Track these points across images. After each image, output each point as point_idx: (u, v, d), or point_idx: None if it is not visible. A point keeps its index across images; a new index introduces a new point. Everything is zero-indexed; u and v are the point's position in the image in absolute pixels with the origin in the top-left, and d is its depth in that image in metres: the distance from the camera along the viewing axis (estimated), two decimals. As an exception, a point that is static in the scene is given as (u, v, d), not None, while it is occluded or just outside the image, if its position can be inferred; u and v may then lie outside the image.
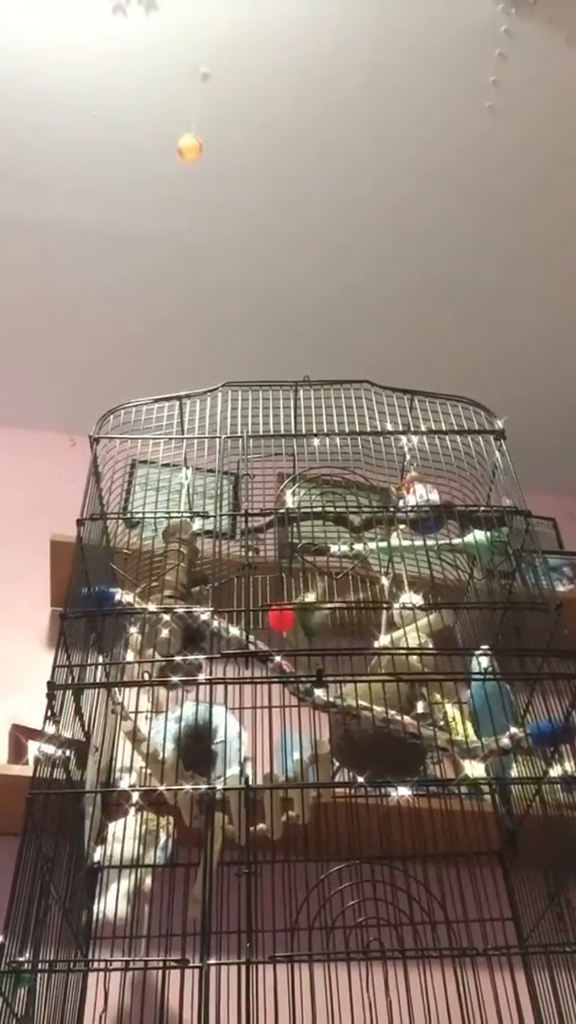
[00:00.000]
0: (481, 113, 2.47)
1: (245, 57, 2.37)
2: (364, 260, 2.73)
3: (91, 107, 2.41)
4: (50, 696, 1.37)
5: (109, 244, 2.66)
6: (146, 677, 1.54)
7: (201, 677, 1.49)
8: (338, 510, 1.78)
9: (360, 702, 1.51)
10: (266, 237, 2.67)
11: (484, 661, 1.59)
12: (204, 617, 1.56)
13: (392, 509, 1.78)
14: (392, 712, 1.50)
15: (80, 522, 1.63)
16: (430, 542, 1.75)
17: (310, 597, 1.72)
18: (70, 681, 1.44)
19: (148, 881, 1.52)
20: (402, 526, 1.77)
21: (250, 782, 1.47)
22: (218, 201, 2.60)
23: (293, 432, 1.81)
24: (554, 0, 2.37)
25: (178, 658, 1.52)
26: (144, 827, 1.54)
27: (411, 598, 1.64)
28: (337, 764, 1.58)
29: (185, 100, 2.33)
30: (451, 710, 1.80)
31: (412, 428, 1.80)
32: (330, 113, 2.47)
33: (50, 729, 1.35)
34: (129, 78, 2.38)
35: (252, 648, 1.52)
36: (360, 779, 1.46)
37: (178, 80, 2.36)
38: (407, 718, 1.51)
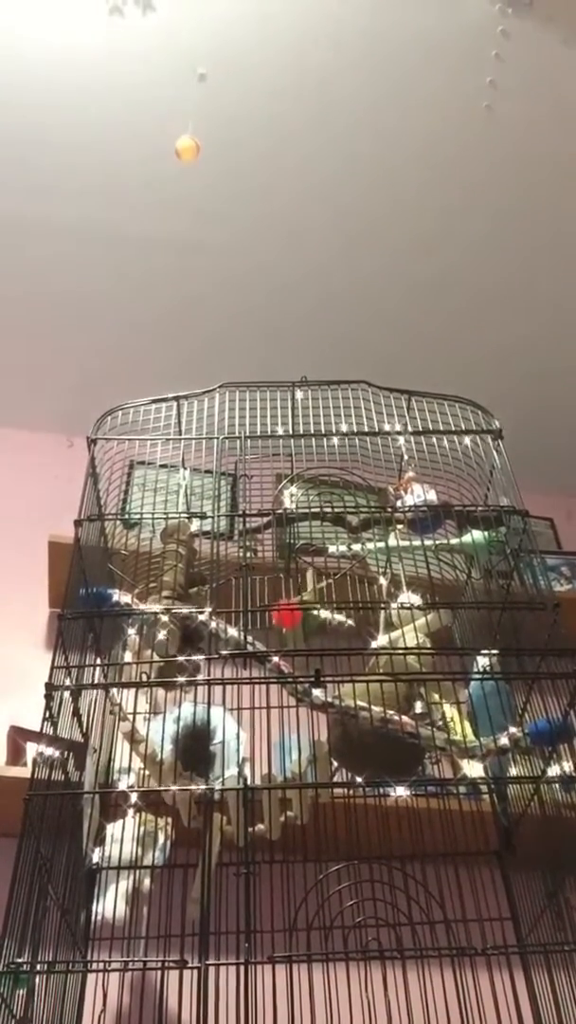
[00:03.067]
0: (478, 113, 2.47)
1: (242, 58, 2.37)
2: (363, 260, 2.73)
3: (87, 107, 2.41)
4: (48, 697, 1.37)
5: (107, 244, 2.66)
6: (144, 678, 1.54)
7: (199, 678, 1.49)
8: (336, 510, 1.78)
9: (358, 702, 1.51)
10: (264, 237, 2.67)
11: (484, 661, 1.59)
12: (202, 618, 1.56)
13: (390, 509, 1.78)
14: (390, 712, 1.49)
15: (78, 523, 1.63)
16: (428, 542, 1.75)
17: (306, 597, 1.72)
18: (68, 682, 1.44)
19: (147, 882, 1.52)
20: (400, 526, 1.77)
21: (248, 782, 1.47)
22: (216, 201, 2.60)
23: (291, 432, 1.81)
24: (551, 1, 2.37)
25: (178, 658, 1.52)
26: (143, 828, 1.54)
27: (409, 598, 1.64)
28: (335, 764, 1.58)
29: (182, 101, 2.33)
30: (449, 710, 1.80)
31: (410, 428, 1.80)
32: (327, 113, 2.47)
33: (48, 730, 1.35)
34: (126, 79, 2.38)
35: (250, 649, 1.52)
36: (359, 779, 1.46)
37: (175, 81, 2.36)
38: (405, 718, 1.51)
